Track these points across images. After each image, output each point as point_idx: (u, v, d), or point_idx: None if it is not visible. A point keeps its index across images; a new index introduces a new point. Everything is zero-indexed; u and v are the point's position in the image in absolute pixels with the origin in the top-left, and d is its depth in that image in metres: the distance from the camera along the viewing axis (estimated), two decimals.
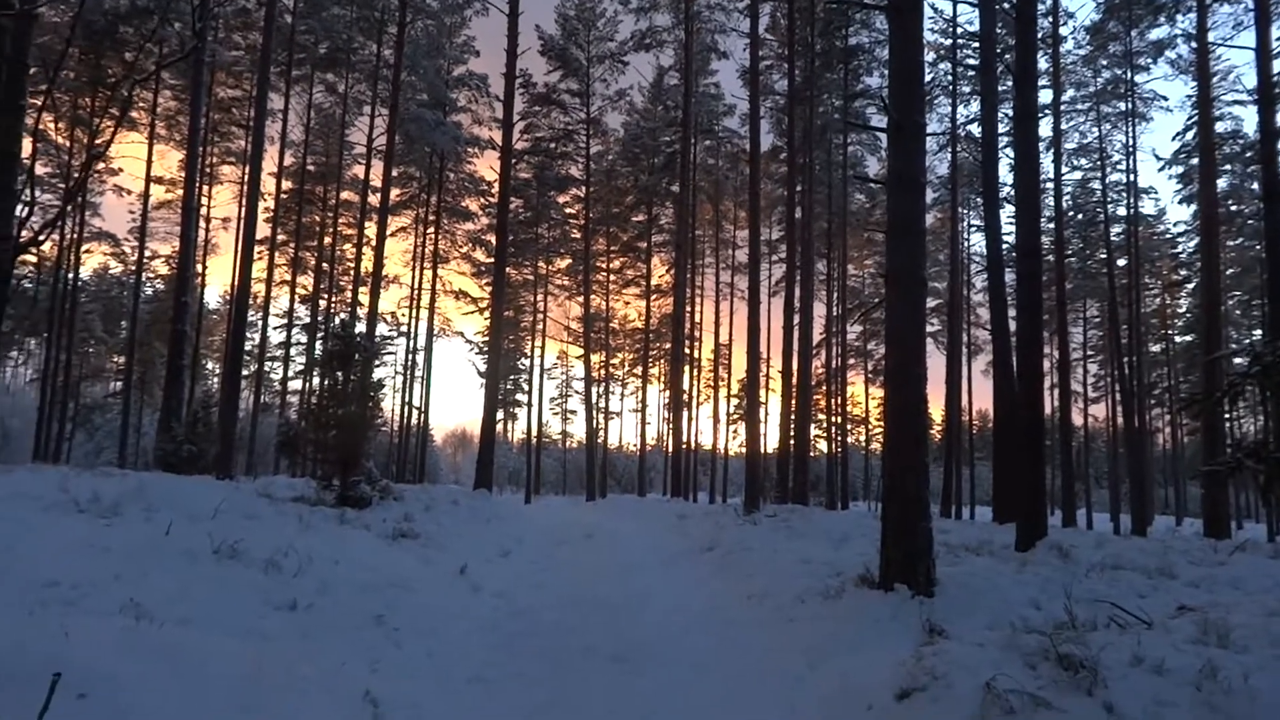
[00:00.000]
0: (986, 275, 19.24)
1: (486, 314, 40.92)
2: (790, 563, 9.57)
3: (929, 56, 31.65)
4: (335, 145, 37.77)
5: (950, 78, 31.59)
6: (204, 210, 36.56)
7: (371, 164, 34.29)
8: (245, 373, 42.08)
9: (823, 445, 45.02)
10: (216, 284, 68.72)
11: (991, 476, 22.79)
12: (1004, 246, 17.86)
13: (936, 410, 47.54)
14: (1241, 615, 5.60)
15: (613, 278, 46.52)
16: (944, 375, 33.41)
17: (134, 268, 37.97)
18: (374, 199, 33.93)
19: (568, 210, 43.24)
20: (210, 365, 58.90)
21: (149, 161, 33.56)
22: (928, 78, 31.50)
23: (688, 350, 40.43)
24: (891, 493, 7.64)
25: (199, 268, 36.13)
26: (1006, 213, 24.37)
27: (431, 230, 39.62)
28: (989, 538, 12.36)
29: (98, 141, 29.73)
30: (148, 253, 38.12)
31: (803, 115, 29.97)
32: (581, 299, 40.57)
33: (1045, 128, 29.31)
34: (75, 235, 34.94)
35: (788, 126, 28.14)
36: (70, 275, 35.39)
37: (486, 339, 36.18)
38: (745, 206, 38.47)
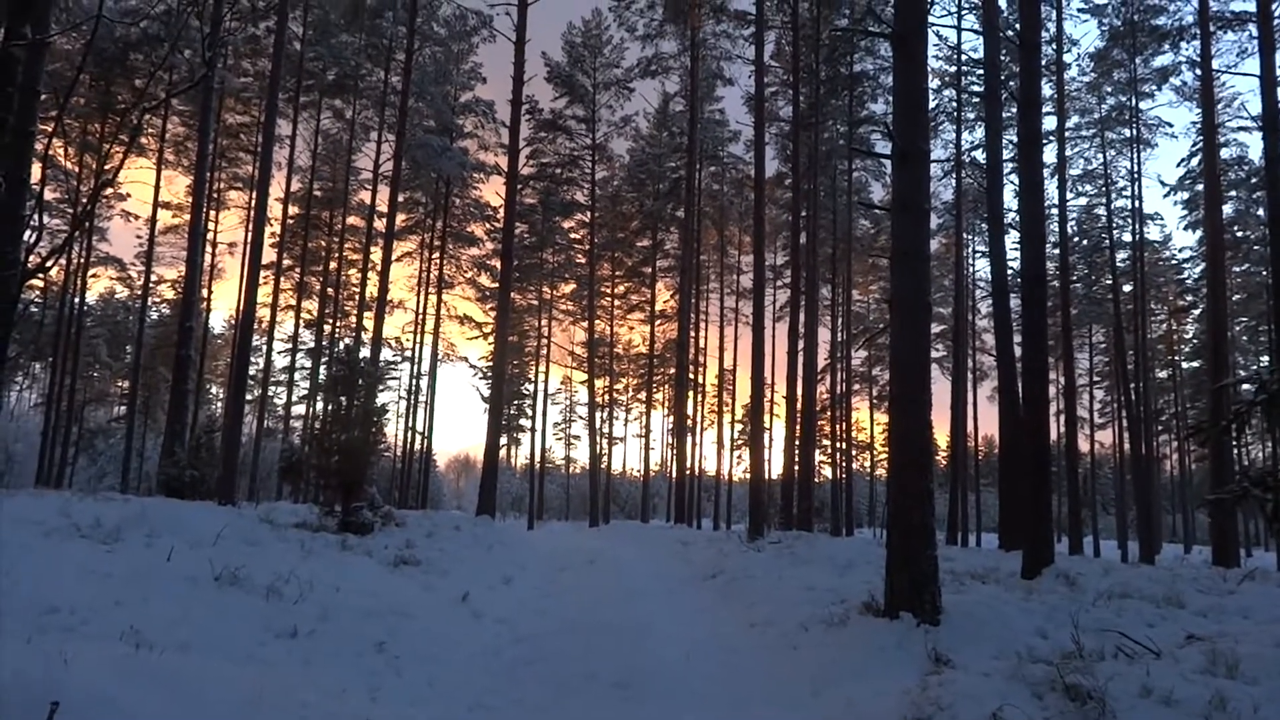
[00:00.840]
0: (991, 301, 19.24)
1: (491, 339, 40.89)
2: (794, 590, 9.52)
3: (933, 83, 31.87)
4: (342, 171, 38.03)
5: (955, 104, 31.79)
6: (210, 235, 36.83)
7: (378, 189, 34.53)
8: (249, 397, 42.23)
9: (828, 471, 44.91)
10: (222, 309, 69.20)
11: (997, 503, 22.67)
12: (1009, 272, 17.87)
13: (942, 436, 47.44)
14: (1251, 645, 5.55)
15: (617, 303, 46.63)
16: (949, 401, 33.33)
17: (140, 292, 38.13)
18: (379, 224, 34.07)
19: (573, 235, 43.43)
20: (214, 390, 59.02)
21: (156, 186, 33.86)
22: (932, 104, 31.71)
23: (692, 375, 40.40)
24: (896, 519, 7.61)
25: (204, 292, 36.34)
26: (1011, 238, 24.42)
27: (436, 255, 39.81)
28: (995, 565, 12.28)
29: (107, 167, 29.98)
30: (154, 277, 38.40)
31: (808, 141, 30.14)
32: (586, 324, 40.66)
33: (1050, 154, 29.44)
34: (82, 260, 35.11)
35: (792, 152, 28.28)
36: (76, 299, 35.62)
37: (490, 364, 36.18)
38: (750, 232, 38.54)
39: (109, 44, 29.31)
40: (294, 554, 8.88)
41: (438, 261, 39.72)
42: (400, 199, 33.52)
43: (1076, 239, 37.78)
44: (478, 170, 38.55)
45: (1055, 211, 28.93)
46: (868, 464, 61.69)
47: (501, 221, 31.05)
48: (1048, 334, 13.01)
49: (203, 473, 17.67)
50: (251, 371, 39.17)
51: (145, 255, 36.23)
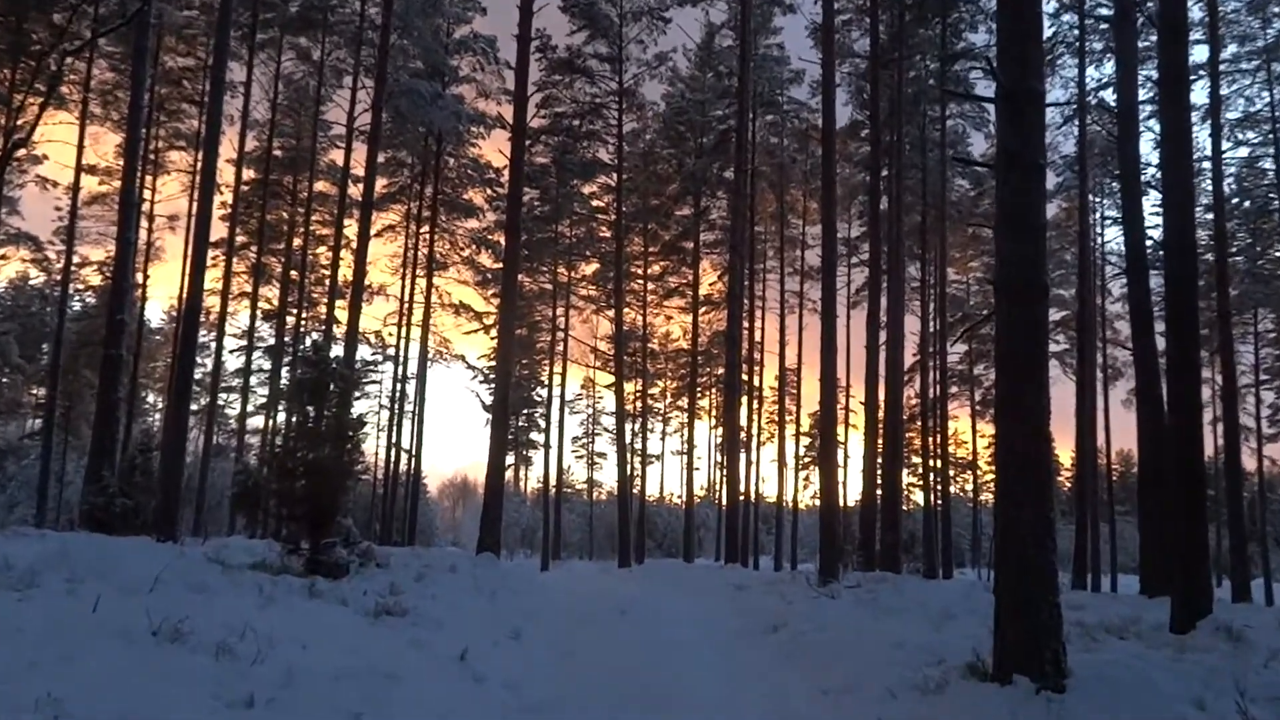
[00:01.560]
0: (1126, 280, 19.00)
1: (493, 332, 41.06)
2: (879, 647, 9.47)
3: (1049, 5, 31.51)
4: (308, 125, 38.40)
5: (1076, 32, 31.42)
6: (147, 206, 37.26)
7: (353, 148, 34.82)
8: (194, 407, 42.58)
9: (918, 496, 44.64)
10: (161, 297, 70.17)
11: (1137, 536, 22.39)
12: (1148, 243, 17.65)
13: (1064, 451, 46.88)
14: None
15: (651, 286, 46.66)
16: (1073, 407, 32.99)
17: (59, 277, 38.54)
18: (355, 191, 34.40)
19: (595, 203, 43.51)
20: (151, 398, 59.95)
21: (80, 146, 34.17)
22: (1048, 32, 31.36)
23: (745, 376, 40.35)
24: (1006, 556, 7.53)
25: (139, 277, 36.73)
26: (1151, 200, 24.05)
27: (426, 229, 40.03)
28: (1136, 615, 12.18)
29: (19, 123, 30.45)
30: (76, 259, 38.74)
31: (889, 82, 29.92)
32: (612, 313, 40.68)
33: (1200, 93, 28.99)
34: None
35: (870, 96, 28.12)
36: None
37: (493, 363, 36.28)
38: (817, 196, 38.47)
39: None
40: (250, 602, 8.93)
41: (427, 237, 39.96)
42: (381, 159, 33.73)
43: (1236, 200, 37.19)
44: (476, 123, 38.70)
45: (1208, 165, 28.49)
46: (969, 486, 61.31)
47: (506, 186, 31.17)
48: (1199, 321, 12.82)
49: (137, 501, 17.90)
50: (198, 375, 39.65)
51: (66, 232, 36.52)
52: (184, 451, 22.71)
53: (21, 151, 33.67)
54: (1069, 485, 46.67)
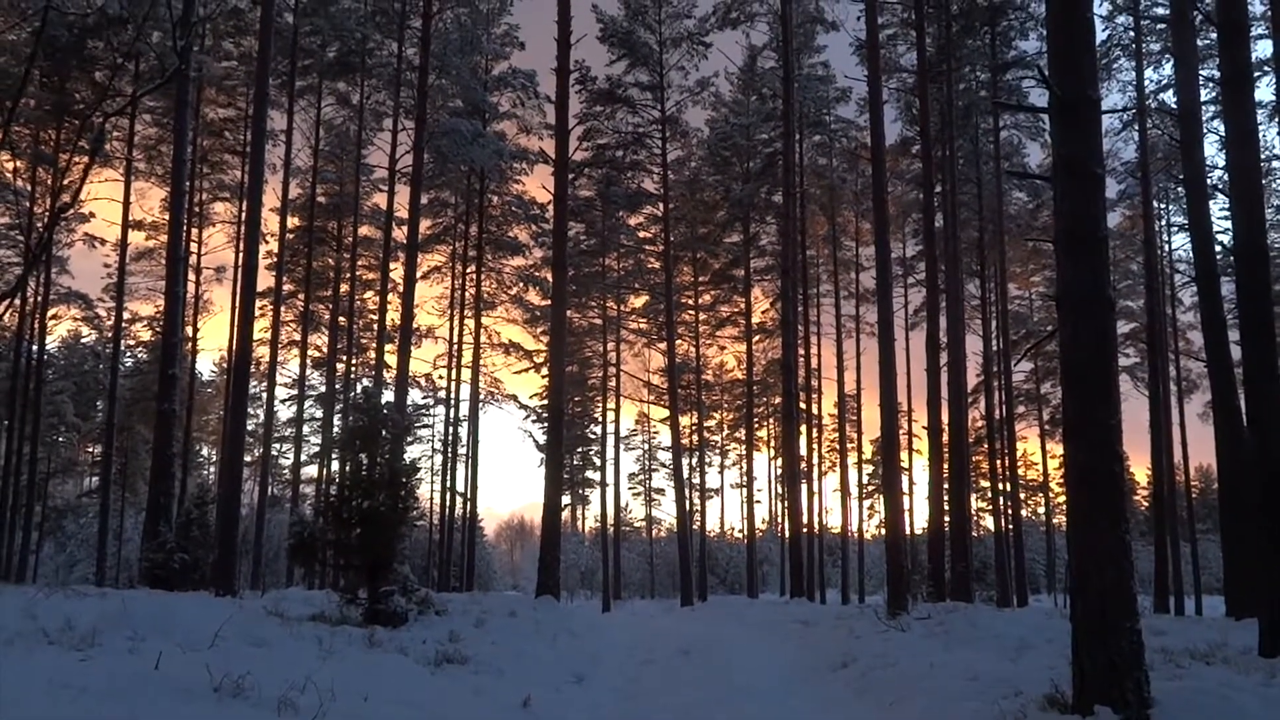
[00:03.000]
0: (1196, 288, 18.73)
1: (544, 370, 41.33)
2: (952, 681, 9.36)
3: (1102, 8, 31.31)
4: (350, 170, 38.93)
5: (1132, 34, 31.17)
6: (193, 259, 37.96)
7: (396, 190, 35.20)
8: (248, 459, 43.38)
9: (988, 521, 44.05)
10: (211, 350, 71.21)
11: (1221, 555, 21.96)
12: (1218, 248, 17.40)
13: (1139, 469, 46.19)
14: None
15: (703, 316, 46.72)
16: (1146, 423, 32.44)
17: (110, 334, 39.24)
18: (399, 234, 34.80)
19: (642, 234, 43.73)
20: (206, 451, 60.89)
21: (125, 203, 34.79)
22: (1102, 35, 31.19)
23: (803, 405, 40.14)
24: (1083, 582, 7.43)
25: (189, 330, 37.40)
26: (1218, 204, 23.77)
27: (472, 269, 40.37)
28: (1222, 639, 12.00)
29: (65, 182, 31.23)
30: (126, 315, 39.48)
31: (939, 95, 29.84)
32: (664, 345, 40.73)
33: (1265, 90, 28.61)
34: (39, 297, 36.20)
35: (920, 111, 28.03)
36: (34, 347, 36.68)
37: (545, 402, 36.46)
38: (869, 216, 38.30)
39: (61, 30, 30.25)
40: (310, 655, 9.02)
41: (474, 276, 40.29)
42: (424, 200, 34.21)
43: None
44: (518, 159, 39.11)
45: (1277, 166, 28.08)
46: (1041, 510, 60.41)
47: (551, 222, 31.44)
48: (1275, 328, 12.60)
49: (194, 556, 18.17)
50: (250, 426, 40.36)
51: (115, 289, 37.11)
52: (239, 504, 22.97)
53: (68, 212, 34.56)
54: (1146, 504, 45.86)
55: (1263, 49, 27.83)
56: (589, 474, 52.33)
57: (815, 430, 46.76)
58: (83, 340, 48.89)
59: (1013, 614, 19.31)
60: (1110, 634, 7.15)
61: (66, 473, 50.51)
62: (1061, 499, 52.06)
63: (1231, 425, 16.23)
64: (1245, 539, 16.19)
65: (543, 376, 42.50)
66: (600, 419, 48.04)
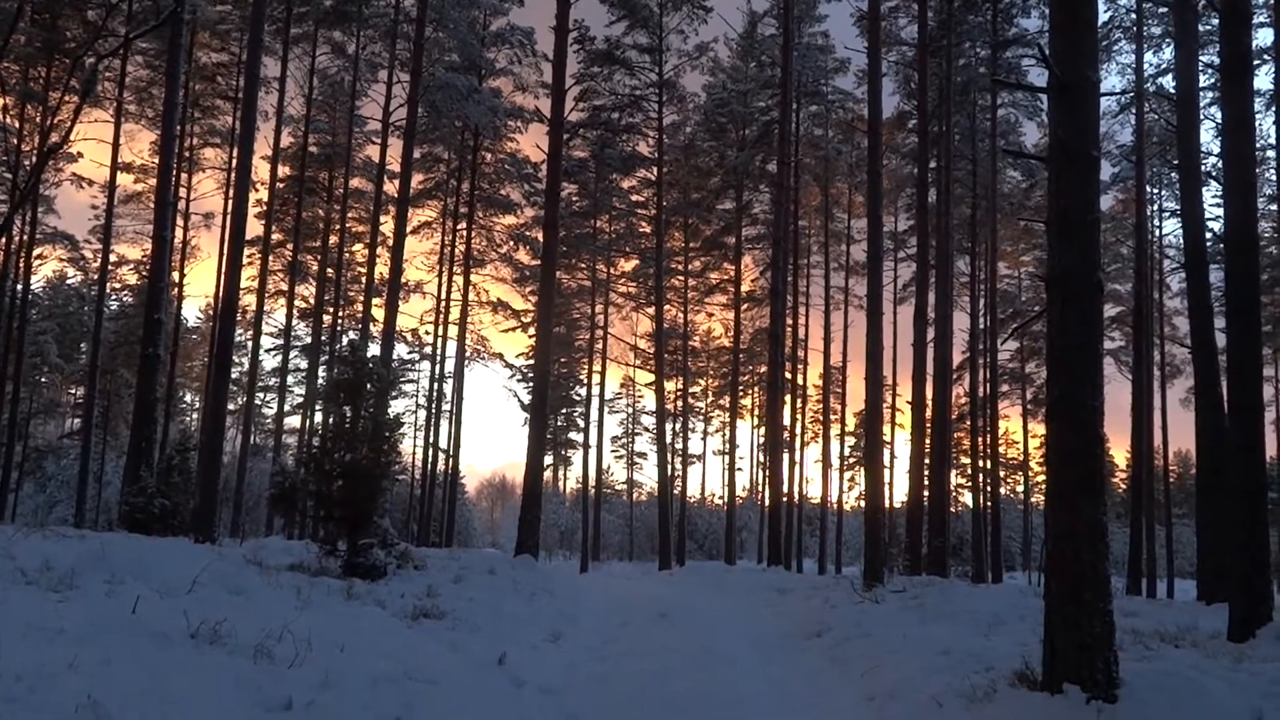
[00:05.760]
0: (1185, 274, 18.76)
1: (531, 330, 41.32)
2: (924, 654, 9.45)
3: None
4: (343, 121, 38.69)
5: (1134, 16, 31.09)
6: (182, 205, 37.71)
7: (389, 143, 35.04)
8: (231, 407, 43.30)
9: (967, 498, 44.34)
10: (197, 296, 70.76)
11: (1195, 540, 22.15)
12: (1208, 236, 17.45)
13: (1119, 452, 46.44)
14: None
15: (692, 282, 46.66)
16: (1128, 406, 32.61)
17: (96, 277, 39.15)
18: (391, 187, 34.65)
19: (635, 198, 43.57)
20: (189, 398, 60.78)
21: (115, 144, 34.45)
22: (1104, 16, 31.09)
23: (788, 375, 40.20)
24: (1057, 561, 7.48)
25: (175, 276, 37.25)
26: (1212, 191, 23.81)
27: (463, 226, 40.21)
28: (1192, 622, 12.11)
29: (55, 121, 30.94)
30: (113, 258, 39.44)
31: (938, 70, 29.72)
32: (652, 310, 40.75)
33: (1264, 79, 28.57)
34: (25, 237, 35.97)
35: (918, 85, 27.94)
36: (19, 286, 36.47)
37: (531, 362, 36.43)
38: (863, 189, 38.21)
39: None
40: (288, 604, 9.05)
41: (464, 233, 40.14)
42: (417, 155, 33.96)
43: None
44: (513, 117, 38.83)
45: (1272, 155, 28.09)
46: (1020, 488, 60.81)
47: (544, 181, 31.25)
48: (1262, 318, 12.67)
49: (175, 502, 18.12)
50: (234, 374, 40.18)
51: (103, 230, 36.98)
52: (221, 452, 22.96)
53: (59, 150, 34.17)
54: (1123, 486, 46.17)
55: (1263, 37, 27.81)
56: (573, 435, 52.36)
57: (799, 401, 46.92)
58: (68, 281, 48.65)
59: (987, 590, 19.48)
60: (1083, 614, 7.20)
61: (48, 413, 50.37)
62: (1040, 478, 52.50)
63: (1212, 413, 16.29)
64: (1220, 525, 16.33)
65: (529, 336, 42.59)
66: (585, 381, 48.06)
